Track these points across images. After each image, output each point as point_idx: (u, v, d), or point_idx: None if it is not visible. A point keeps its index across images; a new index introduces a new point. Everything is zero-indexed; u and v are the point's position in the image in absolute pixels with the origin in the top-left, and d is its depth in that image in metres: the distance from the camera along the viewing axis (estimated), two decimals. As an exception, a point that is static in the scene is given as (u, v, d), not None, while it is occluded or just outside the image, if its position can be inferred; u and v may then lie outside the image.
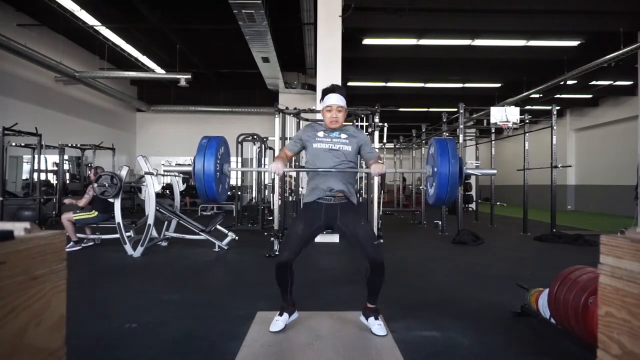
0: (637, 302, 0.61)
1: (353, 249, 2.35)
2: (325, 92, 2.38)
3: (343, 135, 2.34)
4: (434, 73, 10.74)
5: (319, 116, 5.97)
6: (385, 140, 6.12)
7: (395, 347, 2.14)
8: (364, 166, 2.36)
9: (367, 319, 2.39)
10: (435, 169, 2.21)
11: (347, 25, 6.64)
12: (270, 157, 8.64)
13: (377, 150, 2.26)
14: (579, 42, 8.56)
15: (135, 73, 10.33)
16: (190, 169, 2.20)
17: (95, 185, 4.82)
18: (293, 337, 2.29)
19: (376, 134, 5.36)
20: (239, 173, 8.35)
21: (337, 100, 2.33)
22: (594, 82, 10.44)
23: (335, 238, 5.71)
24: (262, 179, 8.59)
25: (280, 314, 2.39)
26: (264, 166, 8.64)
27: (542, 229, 7.27)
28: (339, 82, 6.15)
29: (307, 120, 6.11)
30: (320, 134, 2.35)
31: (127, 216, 5.52)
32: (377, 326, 2.32)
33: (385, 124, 5.88)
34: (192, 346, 2.17)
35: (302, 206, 2.40)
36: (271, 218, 6.67)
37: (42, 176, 8.44)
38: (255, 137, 8.21)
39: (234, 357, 2.02)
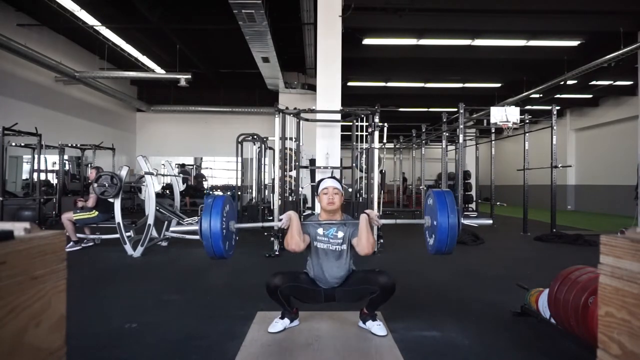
0: (637, 302, 0.61)
1: (364, 296, 2.37)
2: (320, 181, 2.52)
3: (339, 234, 2.38)
4: (434, 73, 10.74)
5: (319, 116, 6.00)
6: (385, 140, 6.11)
7: (395, 347, 2.14)
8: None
9: (365, 323, 2.41)
10: (435, 222, 2.27)
11: (347, 25, 6.64)
12: (270, 157, 8.63)
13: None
14: (579, 42, 8.55)
15: (135, 73, 10.33)
16: (197, 227, 2.24)
17: (95, 185, 4.82)
18: (293, 337, 2.29)
19: (376, 134, 5.36)
20: (239, 173, 8.35)
21: (332, 183, 2.43)
22: (594, 82, 10.43)
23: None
24: (262, 179, 8.59)
25: (282, 317, 2.41)
26: (264, 167, 8.66)
27: (542, 229, 7.27)
28: (339, 82, 6.16)
29: (307, 120, 6.12)
30: (320, 231, 2.39)
31: (127, 216, 5.52)
32: (377, 327, 2.34)
33: (385, 124, 5.87)
34: (192, 346, 2.17)
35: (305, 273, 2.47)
36: (271, 218, 6.67)
37: (42, 176, 8.44)
38: (255, 137, 8.21)
39: (234, 357, 2.02)
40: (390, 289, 2.25)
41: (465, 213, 2.11)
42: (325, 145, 6.16)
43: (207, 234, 2.15)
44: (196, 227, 2.26)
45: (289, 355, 2.08)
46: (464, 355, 2.13)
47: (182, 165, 13.43)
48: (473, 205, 10.59)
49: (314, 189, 6.82)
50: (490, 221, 2.53)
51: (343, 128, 6.99)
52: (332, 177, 2.56)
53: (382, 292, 2.26)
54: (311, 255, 2.42)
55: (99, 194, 4.83)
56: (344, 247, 2.37)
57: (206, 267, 4.42)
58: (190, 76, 9.59)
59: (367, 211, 2.36)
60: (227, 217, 2.28)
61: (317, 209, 2.47)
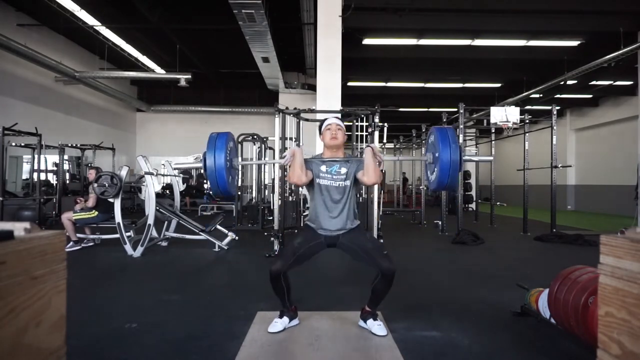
0: (637, 302, 0.61)
1: (360, 261, 2.35)
2: (323, 120, 2.52)
3: (342, 170, 2.38)
4: (434, 73, 10.74)
5: (319, 116, 5.99)
6: (385, 140, 6.12)
7: (395, 347, 2.14)
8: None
9: (365, 322, 2.40)
10: (437, 156, 2.28)
11: (347, 25, 6.64)
12: (270, 157, 8.63)
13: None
14: (579, 42, 8.56)
15: (135, 73, 10.33)
16: (201, 164, 2.25)
17: (95, 185, 4.82)
18: (293, 337, 2.29)
19: (376, 134, 5.36)
20: (239, 174, 8.35)
21: (335, 120, 2.46)
22: (594, 82, 10.44)
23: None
24: (262, 179, 8.59)
25: (280, 317, 2.40)
26: (264, 167, 8.66)
27: (542, 229, 7.27)
28: (339, 82, 6.16)
29: (307, 120, 6.12)
30: (323, 168, 2.39)
31: (127, 216, 5.52)
32: (377, 326, 2.33)
33: (385, 124, 5.88)
34: (192, 346, 2.17)
35: (304, 225, 2.46)
36: (271, 218, 6.67)
37: (42, 176, 8.44)
38: (255, 137, 8.21)
39: (234, 357, 2.02)
40: (390, 276, 2.22)
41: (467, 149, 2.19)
42: (325, 145, 6.15)
43: (211, 169, 2.15)
44: (200, 164, 2.26)
45: (289, 355, 2.08)
46: (464, 355, 2.13)
47: (183, 165, 13.42)
48: (473, 205, 10.59)
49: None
50: (491, 158, 2.55)
51: (343, 128, 6.98)
52: (335, 116, 2.55)
53: (382, 278, 2.23)
54: (313, 193, 2.40)
55: (99, 194, 4.83)
56: (347, 183, 2.36)
57: (206, 267, 4.42)
58: (190, 76, 9.59)
59: (371, 145, 2.36)
60: (231, 154, 2.30)
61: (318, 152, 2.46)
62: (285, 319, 2.39)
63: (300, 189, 6.39)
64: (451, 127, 2.31)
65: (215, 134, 2.28)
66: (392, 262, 2.24)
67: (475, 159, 2.41)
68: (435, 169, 2.33)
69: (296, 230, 5.60)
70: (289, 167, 2.35)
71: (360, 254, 2.30)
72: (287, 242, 2.37)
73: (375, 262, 2.23)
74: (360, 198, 6.27)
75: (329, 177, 2.37)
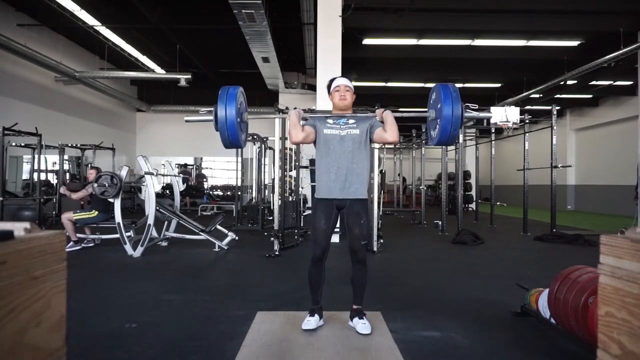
0: (637, 302, 0.61)
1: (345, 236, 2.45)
2: (331, 80, 2.51)
3: (351, 121, 2.38)
4: (434, 73, 10.74)
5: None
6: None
7: (395, 347, 2.14)
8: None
9: (352, 320, 2.42)
10: (439, 113, 2.32)
11: (347, 25, 6.64)
12: (270, 157, 8.63)
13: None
14: (579, 42, 8.55)
15: (135, 73, 10.33)
16: (212, 117, 2.27)
17: (95, 185, 4.82)
18: (293, 337, 2.29)
19: (380, 109, 5.36)
20: (239, 173, 8.35)
21: (344, 81, 2.46)
22: (594, 82, 10.43)
23: (335, 238, 5.71)
24: (262, 179, 8.59)
25: (312, 315, 2.40)
26: (264, 167, 8.66)
27: (542, 229, 7.27)
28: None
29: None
30: (330, 120, 2.39)
31: (127, 216, 5.53)
32: (361, 325, 2.34)
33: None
34: (192, 346, 2.17)
35: (314, 202, 2.45)
36: (271, 218, 6.67)
37: (42, 176, 8.44)
38: (255, 137, 8.21)
39: (234, 357, 2.02)
40: (357, 257, 2.33)
41: (467, 104, 2.21)
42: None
43: (222, 121, 2.18)
44: (210, 117, 2.27)
45: (289, 355, 2.08)
46: (464, 355, 2.13)
47: (184, 166, 13.44)
48: (473, 205, 10.60)
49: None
50: (491, 114, 2.59)
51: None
52: (343, 76, 2.55)
53: (352, 263, 2.36)
54: (320, 147, 2.37)
55: (99, 194, 4.83)
56: (357, 131, 2.33)
57: (206, 267, 4.42)
58: (190, 76, 9.59)
59: (387, 111, 2.38)
60: (241, 108, 2.33)
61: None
62: (317, 316, 2.40)
63: (300, 188, 6.39)
64: (454, 84, 2.38)
65: (226, 87, 2.29)
66: (362, 250, 2.34)
67: (475, 114, 2.44)
68: (437, 125, 2.37)
69: (293, 214, 5.62)
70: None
71: (347, 232, 2.37)
72: (313, 227, 2.37)
73: (350, 242, 2.33)
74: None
75: (337, 127, 2.35)
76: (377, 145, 5.44)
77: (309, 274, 2.39)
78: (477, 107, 2.41)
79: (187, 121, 2.49)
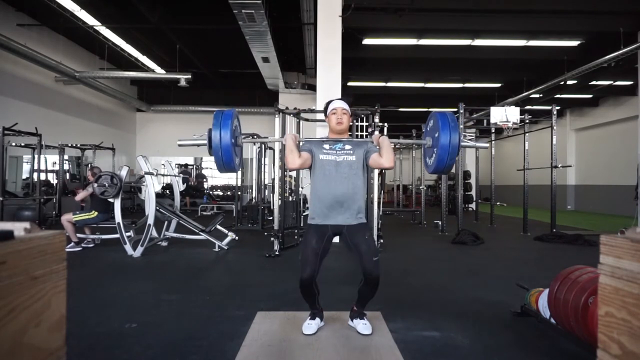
0: (637, 302, 0.61)
1: (354, 258, 2.35)
2: (329, 102, 2.47)
3: (347, 146, 2.34)
4: (434, 73, 10.74)
5: (319, 116, 5.99)
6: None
7: (395, 347, 2.14)
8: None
9: (352, 320, 2.42)
10: (437, 139, 2.33)
11: (347, 25, 6.64)
12: (270, 157, 8.64)
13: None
14: (579, 42, 8.55)
15: (135, 73, 10.33)
16: (205, 141, 2.26)
17: (95, 185, 4.82)
18: (293, 337, 2.29)
19: (376, 134, 5.36)
20: (239, 174, 8.35)
21: (340, 103, 2.42)
22: (594, 82, 10.43)
23: (335, 238, 5.70)
24: (262, 179, 8.59)
25: (313, 318, 2.39)
26: (264, 167, 8.66)
27: (542, 229, 7.27)
28: (339, 82, 6.16)
29: (307, 120, 6.12)
30: (326, 146, 2.35)
31: (127, 216, 5.53)
32: (362, 325, 2.35)
33: (385, 124, 5.89)
34: (192, 346, 2.17)
35: (307, 226, 2.37)
36: (271, 218, 6.67)
37: (42, 176, 8.44)
38: (255, 137, 8.21)
39: (234, 357, 2.02)
40: (372, 281, 2.22)
41: (464, 133, 2.27)
42: (325, 145, 6.15)
43: (217, 145, 2.17)
44: (205, 141, 2.27)
45: (289, 355, 2.08)
46: (464, 355, 2.13)
47: (185, 166, 13.44)
48: (473, 205, 10.60)
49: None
50: (487, 145, 2.62)
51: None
52: (340, 98, 2.53)
53: (365, 282, 2.25)
54: (315, 172, 2.32)
55: (99, 194, 4.83)
56: (354, 158, 2.29)
57: (206, 267, 4.42)
58: (190, 76, 9.59)
59: (383, 136, 2.36)
60: (235, 132, 2.32)
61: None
62: (317, 319, 2.40)
63: (300, 188, 6.39)
64: (451, 112, 2.38)
65: (220, 111, 2.28)
66: (377, 268, 2.23)
67: (472, 144, 2.44)
68: (434, 153, 2.38)
69: (293, 214, 5.61)
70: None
71: (354, 252, 2.29)
72: (303, 247, 2.33)
73: (362, 263, 2.22)
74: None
75: (333, 152, 2.31)
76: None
77: (301, 293, 2.30)
78: (473, 137, 2.42)
79: (180, 145, 2.47)
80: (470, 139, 2.32)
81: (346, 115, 2.39)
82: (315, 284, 2.28)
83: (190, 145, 2.43)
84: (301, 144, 2.41)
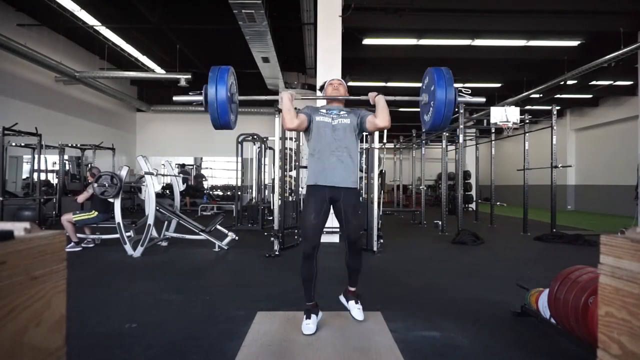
0: (637, 302, 0.61)
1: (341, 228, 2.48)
2: (325, 82, 2.62)
3: (342, 112, 2.45)
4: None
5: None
6: (385, 140, 6.12)
7: (395, 347, 2.14)
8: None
9: (347, 301, 2.48)
10: (433, 92, 2.32)
11: (347, 25, 6.64)
12: (270, 157, 8.63)
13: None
14: (579, 42, 8.55)
15: (135, 73, 10.33)
16: (201, 97, 2.26)
17: (96, 185, 4.82)
18: (293, 337, 2.29)
19: (376, 134, 5.35)
20: (239, 173, 8.34)
21: (336, 78, 2.62)
22: (594, 82, 10.44)
23: (335, 238, 5.71)
24: (262, 179, 8.59)
25: (309, 317, 2.37)
26: (264, 167, 8.66)
27: (542, 229, 7.27)
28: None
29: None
30: (323, 110, 2.45)
31: (127, 216, 5.52)
32: (356, 310, 2.41)
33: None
34: (192, 346, 2.17)
35: (306, 190, 2.46)
36: (271, 218, 6.67)
37: (42, 176, 8.44)
38: (255, 137, 8.21)
39: (234, 357, 2.02)
40: (353, 247, 2.37)
41: (459, 92, 2.21)
42: (325, 145, 6.15)
43: (212, 100, 2.16)
44: (200, 98, 2.26)
45: (289, 355, 2.08)
46: (464, 355, 2.13)
47: (183, 166, 13.43)
48: (473, 205, 10.59)
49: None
50: (484, 99, 2.58)
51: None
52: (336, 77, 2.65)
53: (348, 251, 2.40)
54: (311, 135, 2.40)
55: (99, 194, 4.83)
56: (348, 121, 2.39)
57: (206, 267, 4.42)
58: (190, 76, 9.58)
59: (379, 95, 2.41)
60: (231, 89, 2.32)
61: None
62: (314, 317, 2.39)
63: (300, 188, 6.39)
64: (447, 68, 2.39)
65: (216, 67, 2.27)
66: (360, 239, 2.39)
67: (468, 98, 2.42)
68: (431, 108, 2.37)
69: (293, 214, 5.62)
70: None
71: (343, 222, 2.38)
72: (303, 222, 2.35)
73: (347, 233, 2.36)
74: (360, 198, 6.26)
75: (329, 116, 2.40)
76: (377, 145, 5.43)
77: (301, 270, 2.40)
78: (470, 92, 2.40)
79: (175, 102, 2.45)
80: (466, 93, 2.29)
81: (342, 86, 2.53)
82: (317, 262, 2.37)
83: (186, 101, 2.42)
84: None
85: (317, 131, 2.38)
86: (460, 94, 2.36)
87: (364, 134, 5.91)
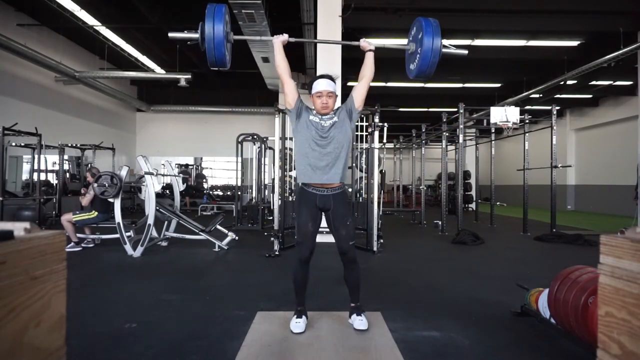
0: (637, 302, 0.61)
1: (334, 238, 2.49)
2: (314, 79, 2.45)
3: (332, 114, 2.40)
4: (434, 73, 10.73)
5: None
6: (385, 140, 6.12)
7: (395, 347, 2.14)
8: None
9: (350, 317, 2.45)
10: (420, 40, 2.40)
11: (347, 25, 6.64)
12: (270, 157, 8.63)
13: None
14: (579, 42, 8.56)
15: (135, 73, 10.33)
16: (197, 35, 2.26)
17: (95, 185, 4.82)
18: (293, 337, 2.29)
19: (376, 134, 5.35)
20: (239, 173, 8.35)
21: (326, 85, 2.37)
22: (594, 82, 10.44)
23: (332, 238, 5.70)
24: (262, 179, 8.59)
25: (299, 317, 2.40)
26: (264, 167, 8.66)
27: (542, 229, 7.27)
28: (338, 82, 6.17)
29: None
30: (314, 111, 2.41)
31: (127, 216, 5.52)
32: (358, 321, 2.38)
33: (385, 124, 5.88)
34: (192, 346, 2.17)
35: (298, 191, 2.46)
36: (271, 218, 6.67)
37: (42, 176, 8.44)
38: (255, 137, 8.21)
39: (234, 357, 2.02)
40: (346, 260, 2.38)
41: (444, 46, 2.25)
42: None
43: (210, 38, 2.18)
44: (196, 35, 2.27)
45: (289, 355, 2.08)
46: (464, 355, 2.13)
47: (185, 166, 13.45)
48: (473, 205, 10.59)
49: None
50: (466, 52, 2.63)
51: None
52: (326, 76, 2.45)
53: (344, 264, 2.41)
54: (300, 133, 2.37)
55: (99, 194, 4.83)
56: (336, 119, 2.37)
57: (206, 267, 4.42)
58: (190, 76, 9.59)
59: (370, 53, 2.41)
60: (227, 26, 2.34)
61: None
62: (304, 317, 2.41)
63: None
64: (435, 19, 2.45)
65: (212, 5, 2.27)
66: (352, 250, 2.37)
67: (453, 50, 2.47)
68: (417, 57, 2.43)
69: (293, 214, 5.61)
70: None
71: (333, 233, 2.40)
72: (298, 227, 2.36)
73: (339, 245, 2.37)
74: (360, 198, 6.26)
75: (318, 117, 2.38)
76: (377, 145, 5.43)
77: (295, 274, 2.40)
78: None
79: (171, 38, 2.43)
80: (451, 44, 2.33)
81: (332, 98, 2.38)
82: (309, 267, 2.40)
83: (182, 38, 2.41)
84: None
85: (307, 127, 2.36)
86: (445, 46, 2.39)
87: (364, 134, 5.95)
